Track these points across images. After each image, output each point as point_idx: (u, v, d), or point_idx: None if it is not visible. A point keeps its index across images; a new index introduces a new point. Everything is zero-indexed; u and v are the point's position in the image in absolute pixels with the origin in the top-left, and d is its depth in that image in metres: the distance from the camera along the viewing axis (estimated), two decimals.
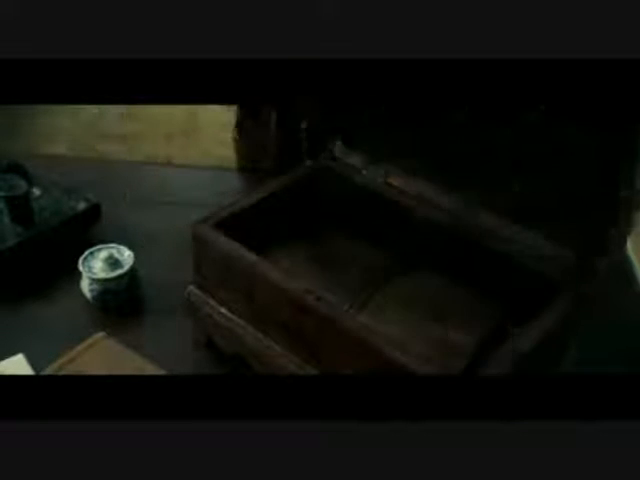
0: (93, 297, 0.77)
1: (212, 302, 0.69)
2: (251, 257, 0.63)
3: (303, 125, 0.69)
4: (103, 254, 0.78)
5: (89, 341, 0.71)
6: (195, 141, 1.59)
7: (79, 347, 0.70)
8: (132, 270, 0.78)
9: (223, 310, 0.68)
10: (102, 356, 0.69)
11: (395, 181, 0.70)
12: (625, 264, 0.82)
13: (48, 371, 0.67)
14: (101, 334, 0.72)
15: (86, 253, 0.78)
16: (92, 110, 2.26)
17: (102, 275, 0.76)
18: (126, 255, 0.79)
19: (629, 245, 0.72)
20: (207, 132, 1.64)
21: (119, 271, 0.77)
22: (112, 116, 2.25)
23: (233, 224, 0.67)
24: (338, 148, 0.73)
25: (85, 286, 0.78)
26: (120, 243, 0.80)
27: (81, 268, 0.77)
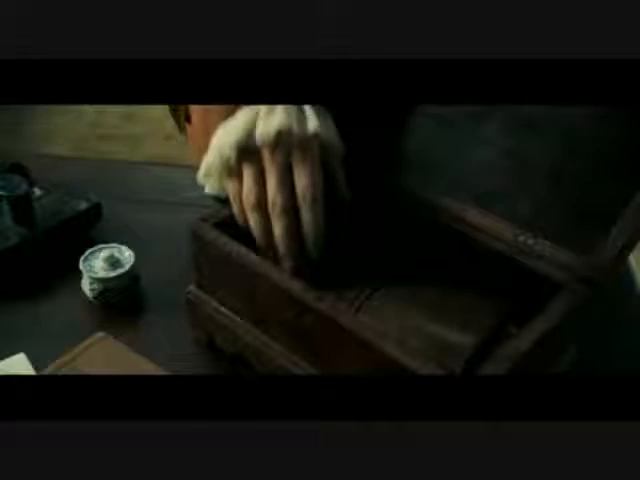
0: (94, 296, 0.77)
1: (213, 302, 0.69)
2: (251, 256, 0.63)
3: None
4: (104, 253, 0.78)
5: (89, 340, 0.71)
6: None
7: (79, 346, 0.70)
8: (133, 269, 0.78)
9: (224, 310, 0.68)
10: (102, 355, 0.69)
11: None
12: (625, 267, 0.83)
13: (48, 370, 0.68)
14: (101, 333, 0.72)
15: (87, 252, 0.78)
16: (92, 110, 2.27)
17: (103, 274, 0.76)
18: (127, 255, 0.79)
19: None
20: None
21: (120, 270, 0.77)
22: (113, 116, 2.25)
23: (233, 224, 0.67)
24: None
25: (86, 285, 0.78)
26: (121, 242, 0.80)
27: (82, 267, 0.77)
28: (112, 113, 2.34)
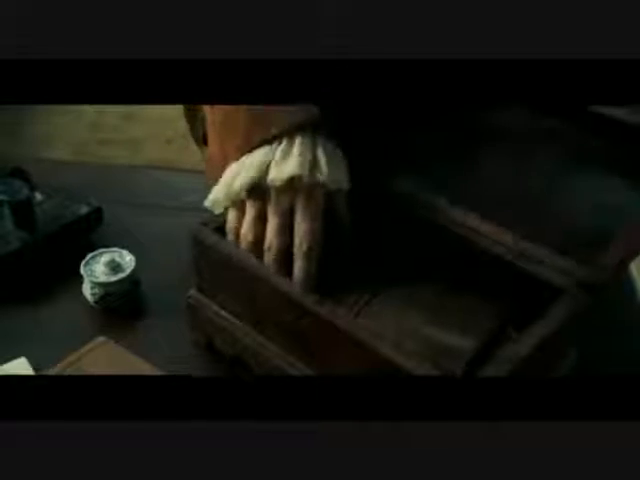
0: (95, 301, 0.78)
1: (213, 305, 0.69)
2: (251, 260, 0.63)
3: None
4: (105, 258, 0.78)
5: (90, 345, 0.71)
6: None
7: (80, 350, 0.70)
8: (133, 274, 0.78)
9: (224, 313, 0.68)
10: (103, 359, 0.69)
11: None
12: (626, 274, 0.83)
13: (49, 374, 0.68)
14: (102, 338, 0.72)
15: (88, 257, 0.79)
16: (92, 110, 2.27)
17: (103, 279, 0.77)
18: (127, 259, 0.79)
19: None
20: None
21: (120, 275, 0.77)
22: (113, 120, 2.26)
23: None
24: None
25: (87, 290, 0.78)
26: (122, 247, 0.80)
27: (83, 272, 0.77)
28: (112, 115, 2.34)
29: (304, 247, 0.62)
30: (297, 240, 0.63)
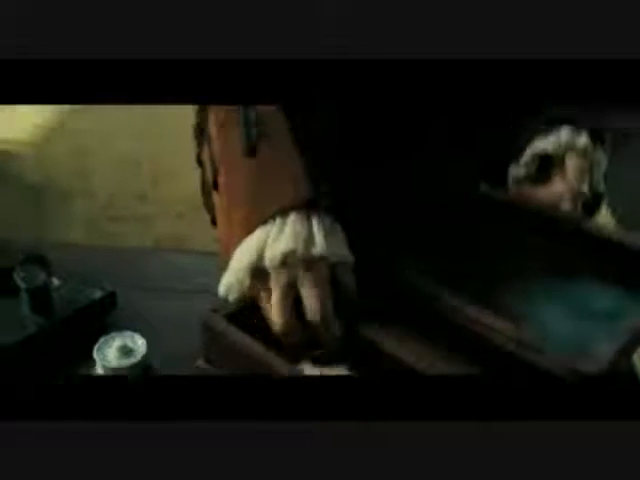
0: None
1: None
2: (259, 348, 0.65)
3: None
4: (117, 342, 0.79)
5: None
6: (207, 217, 1.63)
7: None
8: (145, 359, 0.79)
9: None
10: None
11: None
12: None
13: None
14: None
15: (100, 341, 0.80)
16: (105, 195, 2.33)
17: (116, 364, 0.78)
18: (139, 343, 0.80)
19: None
20: None
21: (132, 360, 0.78)
22: (125, 199, 2.31)
23: (244, 315, 0.69)
24: None
25: (100, 373, 0.79)
26: (134, 330, 0.82)
27: (95, 356, 0.79)
28: (125, 196, 2.39)
29: (318, 319, 0.63)
30: (308, 311, 0.63)
